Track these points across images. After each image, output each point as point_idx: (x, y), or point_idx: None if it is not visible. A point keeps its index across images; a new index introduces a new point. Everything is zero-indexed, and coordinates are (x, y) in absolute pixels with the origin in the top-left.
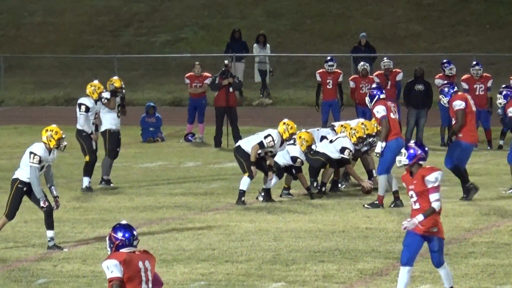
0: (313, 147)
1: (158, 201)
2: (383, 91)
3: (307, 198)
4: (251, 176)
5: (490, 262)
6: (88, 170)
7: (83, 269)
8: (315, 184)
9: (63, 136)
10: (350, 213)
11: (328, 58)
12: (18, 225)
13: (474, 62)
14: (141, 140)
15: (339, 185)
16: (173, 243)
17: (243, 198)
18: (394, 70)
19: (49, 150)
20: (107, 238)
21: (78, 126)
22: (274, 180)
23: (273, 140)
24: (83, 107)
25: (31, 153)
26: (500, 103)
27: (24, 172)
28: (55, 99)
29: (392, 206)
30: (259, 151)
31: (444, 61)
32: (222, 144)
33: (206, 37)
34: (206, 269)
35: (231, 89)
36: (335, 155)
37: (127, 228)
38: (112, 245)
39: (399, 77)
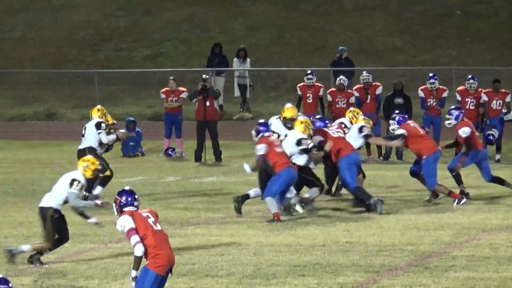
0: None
1: None
2: (268, 129)
3: (287, 213)
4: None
5: (471, 275)
6: (106, 182)
7: (64, 284)
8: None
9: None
10: (330, 227)
11: (308, 71)
12: None
13: (469, 76)
14: (121, 155)
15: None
16: None
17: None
18: (373, 84)
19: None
20: None
21: (93, 144)
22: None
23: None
24: (103, 125)
25: (74, 180)
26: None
27: (55, 199)
28: (35, 114)
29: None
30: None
31: (431, 74)
32: (202, 158)
33: (186, 51)
34: (187, 284)
35: (207, 103)
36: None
37: None
38: None
39: (379, 90)
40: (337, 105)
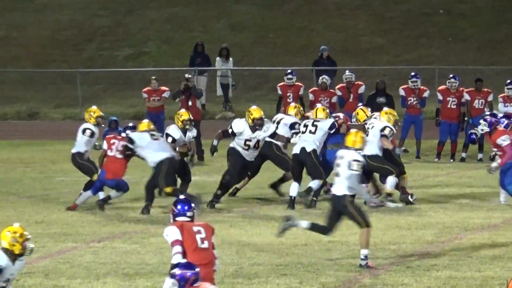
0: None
1: (120, 215)
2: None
3: (270, 211)
4: None
5: (453, 274)
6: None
7: (45, 283)
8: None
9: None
10: None
11: (288, 71)
12: None
13: (451, 75)
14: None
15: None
16: (136, 257)
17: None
18: (356, 83)
19: None
20: None
21: (81, 149)
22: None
23: (231, 126)
24: (88, 131)
25: (355, 160)
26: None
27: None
28: (17, 113)
29: None
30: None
31: (412, 74)
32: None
33: (168, 51)
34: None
35: (190, 103)
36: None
37: None
38: None
39: (361, 90)
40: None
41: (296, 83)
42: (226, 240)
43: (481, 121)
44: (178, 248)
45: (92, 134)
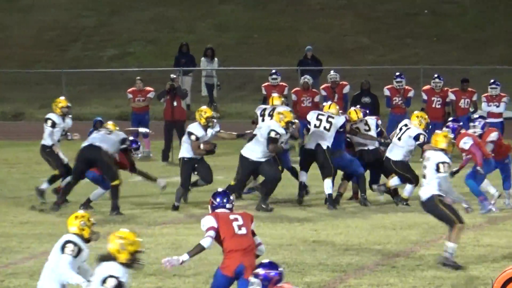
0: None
1: (105, 216)
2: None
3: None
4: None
5: (438, 274)
6: (53, 180)
7: (30, 284)
8: None
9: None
10: (297, 226)
11: (273, 71)
12: None
13: (435, 75)
14: None
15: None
16: None
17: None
18: (341, 83)
19: None
20: None
21: (46, 142)
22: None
23: (276, 132)
24: (49, 121)
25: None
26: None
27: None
28: (2, 114)
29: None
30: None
31: (397, 73)
32: (169, 158)
33: (153, 51)
34: (154, 284)
35: (175, 103)
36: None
37: None
38: None
39: (346, 89)
40: (302, 104)
41: (281, 83)
42: None
43: (444, 129)
44: (210, 233)
45: (54, 125)
